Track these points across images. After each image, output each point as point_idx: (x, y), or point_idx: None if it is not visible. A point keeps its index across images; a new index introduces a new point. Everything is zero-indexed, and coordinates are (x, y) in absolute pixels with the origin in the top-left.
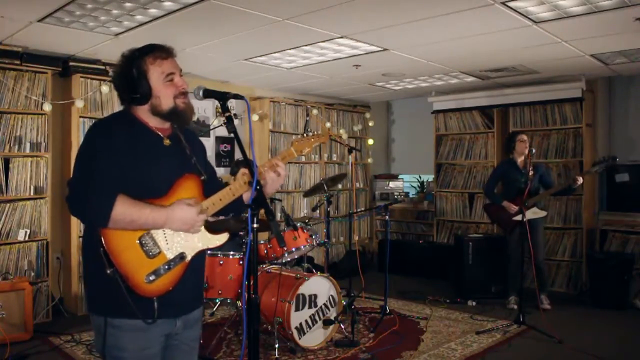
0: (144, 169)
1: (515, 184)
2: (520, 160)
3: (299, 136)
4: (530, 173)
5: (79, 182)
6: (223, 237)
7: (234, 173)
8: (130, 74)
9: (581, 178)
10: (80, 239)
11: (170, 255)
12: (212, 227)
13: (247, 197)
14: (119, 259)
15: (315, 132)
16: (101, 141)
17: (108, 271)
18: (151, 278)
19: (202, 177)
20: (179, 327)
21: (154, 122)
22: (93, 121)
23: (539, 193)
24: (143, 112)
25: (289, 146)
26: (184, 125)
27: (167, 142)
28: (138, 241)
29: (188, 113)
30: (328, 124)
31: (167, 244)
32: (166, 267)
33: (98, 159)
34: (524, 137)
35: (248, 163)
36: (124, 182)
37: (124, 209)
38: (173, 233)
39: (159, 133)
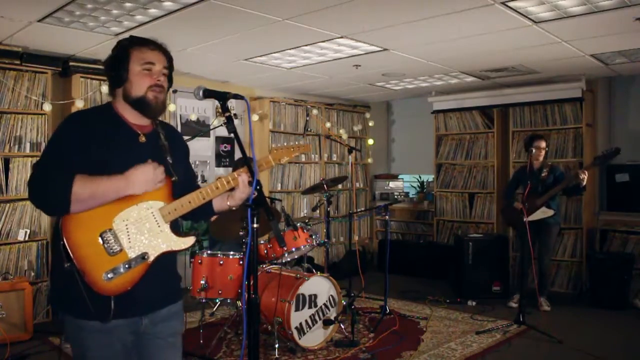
0: (113, 163)
1: (532, 187)
2: (536, 162)
3: (279, 145)
4: (544, 174)
5: (42, 168)
6: (189, 241)
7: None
8: (114, 55)
9: (583, 173)
10: None
11: (132, 254)
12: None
13: (217, 203)
14: (77, 253)
15: (297, 143)
16: (73, 130)
17: (66, 265)
18: (109, 276)
19: (173, 179)
20: (146, 325)
21: (133, 118)
22: None
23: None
24: (121, 105)
25: (267, 154)
26: (150, 116)
27: (142, 139)
28: (100, 237)
29: (156, 107)
30: (328, 124)
31: (130, 242)
32: (126, 266)
33: (65, 147)
34: (540, 143)
35: (247, 162)
36: (90, 174)
37: (81, 184)
38: (137, 232)
39: (136, 130)
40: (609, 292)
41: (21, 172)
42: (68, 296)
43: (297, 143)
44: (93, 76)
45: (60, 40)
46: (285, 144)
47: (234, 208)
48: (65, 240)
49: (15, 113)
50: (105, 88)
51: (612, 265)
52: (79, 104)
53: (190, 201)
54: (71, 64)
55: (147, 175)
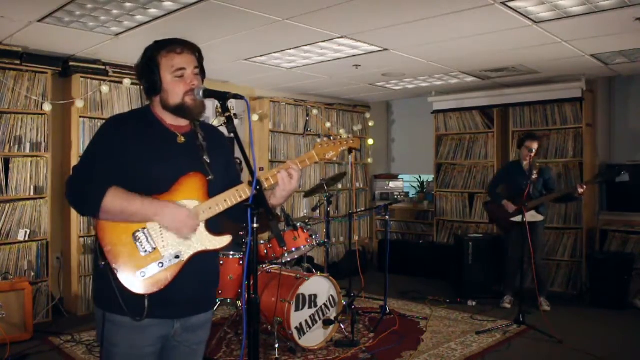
0: (151, 165)
1: (518, 186)
2: (525, 162)
3: (325, 139)
4: (534, 176)
5: (80, 171)
6: (225, 240)
7: None
8: (144, 65)
9: (582, 187)
10: (81, 239)
11: (165, 253)
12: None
13: None
14: (111, 252)
15: (349, 136)
16: (110, 134)
17: (101, 263)
18: (142, 275)
19: (209, 177)
20: (177, 329)
21: (170, 119)
22: (93, 121)
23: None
24: (159, 108)
25: (311, 149)
26: (191, 119)
27: (181, 139)
28: (132, 236)
29: (196, 109)
30: (328, 124)
31: (163, 241)
32: (160, 265)
33: (102, 151)
34: (532, 144)
35: (247, 162)
36: (127, 176)
37: (114, 199)
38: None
39: (174, 131)
40: (609, 292)
41: (21, 172)
42: (104, 292)
43: (346, 137)
44: (93, 76)
45: (60, 40)
46: (285, 144)
47: (277, 207)
48: (99, 239)
49: (15, 113)
50: (105, 88)
51: (612, 265)
52: (79, 104)
53: (226, 199)
54: (71, 64)
55: (179, 216)
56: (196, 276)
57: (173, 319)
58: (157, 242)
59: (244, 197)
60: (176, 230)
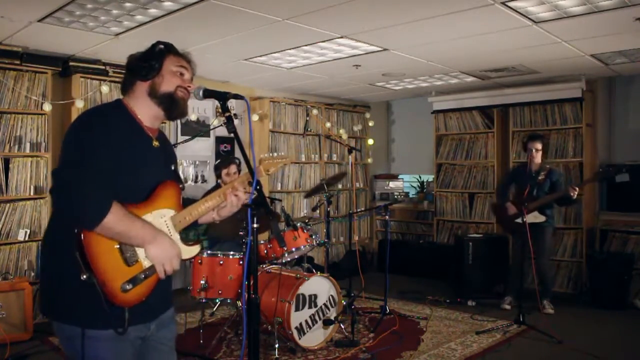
0: (135, 168)
1: (524, 187)
2: (533, 164)
3: (267, 155)
4: (541, 177)
5: (74, 175)
6: (195, 250)
7: (218, 175)
8: (150, 50)
9: (574, 189)
10: None
11: (146, 264)
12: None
13: (203, 219)
14: (96, 264)
15: (280, 153)
16: (100, 131)
17: (83, 276)
18: (127, 287)
19: (181, 186)
20: (152, 329)
21: (146, 120)
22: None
23: None
24: (138, 103)
25: (258, 164)
26: (172, 116)
27: (156, 143)
28: (118, 246)
29: (182, 107)
30: (328, 124)
31: (145, 252)
32: (142, 276)
33: (97, 151)
34: (534, 145)
35: (247, 162)
36: (115, 178)
37: (116, 219)
38: None
39: (149, 133)
40: (609, 292)
41: (21, 172)
42: (86, 309)
43: (281, 154)
44: (93, 76)
45: (60, 40)
46: (285, 144)
47: (217, 221)
48: (85, 249)
49: (15, 113)
50: (105, 88)
51: (612, 265)
52: (79, 104)
53: (198, 209)
54: (71, 64)
55: (170, 251)
56: (165, 281)
57: (150, 321)
58: (139, 254)
59: (210, 208)
60: (161, 264)
